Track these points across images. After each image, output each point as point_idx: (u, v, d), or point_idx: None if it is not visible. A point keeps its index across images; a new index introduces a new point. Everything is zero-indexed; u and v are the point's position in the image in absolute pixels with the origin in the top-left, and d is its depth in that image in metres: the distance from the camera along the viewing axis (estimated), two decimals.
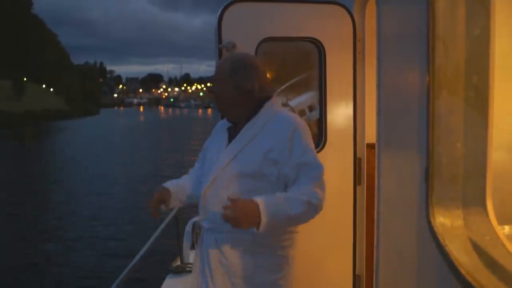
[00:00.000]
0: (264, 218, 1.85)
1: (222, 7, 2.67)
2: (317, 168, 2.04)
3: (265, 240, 2.07)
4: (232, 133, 2.18)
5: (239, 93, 2.11)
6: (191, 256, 3.38)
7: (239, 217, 1.84)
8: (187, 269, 3.44)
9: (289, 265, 2.16)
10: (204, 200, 2.13)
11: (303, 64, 3.52)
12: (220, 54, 2.66)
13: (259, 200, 1.87)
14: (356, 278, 3.04)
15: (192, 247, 3.70)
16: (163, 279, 3.47)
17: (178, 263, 3.55)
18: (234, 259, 2.08)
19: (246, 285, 2.09)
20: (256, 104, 2.14)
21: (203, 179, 2.21)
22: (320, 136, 2.96)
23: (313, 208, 1.97)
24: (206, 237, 2.14)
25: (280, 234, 2.12)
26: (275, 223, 1.91)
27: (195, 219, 2.20)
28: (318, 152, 2.91)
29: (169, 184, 2.32)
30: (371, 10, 2.77)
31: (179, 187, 2.32)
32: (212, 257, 2.10)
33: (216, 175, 2.10)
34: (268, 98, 2.17)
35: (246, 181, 2.06)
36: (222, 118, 2.29)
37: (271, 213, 1.87)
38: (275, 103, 2.20)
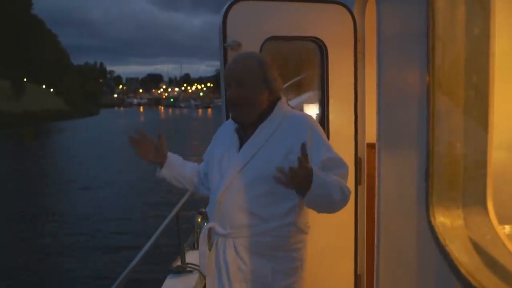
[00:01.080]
0: (313, 185, 1.80)
1: (227, 5, 2.66)
2: (345, 166, 2.03)
3: (283, 242, 2.05)
4: (242, 135, 2.12)
5: (269, 93, 2.09)
6: (190, 257, 3.39)
7: (296, 177, 1.77)
8: (188, 269, 3.44)
9: (302, 268, 2.14)
10: (219, 206, 2.05)
11: (304, 64, 3.52)
12: (224, 53, 2.65)
13: (311, 168, 1.80)
14: (357, 278, 3.04)
15: (193, 247, 3.72)
16: (163, 279, 3.47)
17: (179, 263, 3.55)
18: (254, 264, 2.03)
19: None
20: (270, 104, 2.11)
21: (213, 186, 2.14)
22: None
23: (345, 198, 1.95)
24: (222, 244, 2.07)
25: (295, 235, 2.08)
26: (317, 196, 1.85)
27: (210, 225, 2.10)
28: None
29: (170, 154, 2.32)
30: (371, 9, 2.77)
31: (179, 162, 2.34)
32: (231, 264, 2.03)
33: (231, 179, 2.03)
34: (278, 98, 2.14)
35: (266, 183, 1.97)
36: (235, 119, 2.15)
37: (319, 183, 1.82)
38: (285, 102, 2.16)
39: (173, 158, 2.33)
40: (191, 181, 2.37)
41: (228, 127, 2.24)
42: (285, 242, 2.05)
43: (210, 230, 2.10)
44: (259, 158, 2.03)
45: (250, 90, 2.04)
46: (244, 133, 2.13)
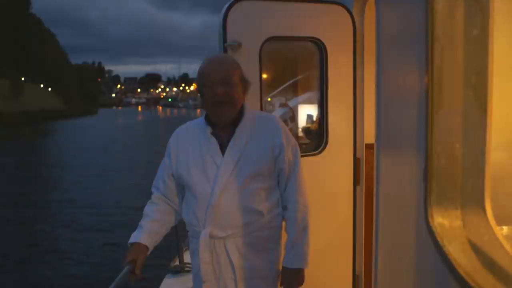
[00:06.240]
0: (305, 265, 2.19)
1: (227, 5, 2.65)
2: (300, 164, 2.22)
3: (276, 234, 2.21)
4: (219, 138, 2.13)
5: (244, 93, 2.16)
6: (188, 257, 3.39)
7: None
8: (186, 269, 3.44)
9: (282, 255, 2.26)
10: (217, 209, 2.05)
11: (303, 64, 3.52)
12: (225, 53, 2.65)
13: (300, 262, 2.17)
14: (355, 278, 3.04)
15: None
16: (161, 279, 3.47)
17: (177, 263, 3.55)
18: (255, 260, 2.12)
19: (265, 285, 2.17)
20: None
21: (198, 192, 2.11)
22: (321, 136, 2.96)
23: (307, 217, 2.21)
24: (221, 246, 2.09)
25: (281, 224, 2.23)
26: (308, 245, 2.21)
27: (208, 230, 2.07)
28: (319, 153, 2.92)
29: (143, 238, 2.13)
30: (370, 10, 2.77)
31: (153, 235, 2.18)
32: (236, 264, 2.08)
33: (225, 181, 2.05)
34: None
35: (259, 179, 2.10)
36: (217, 118, 2.13)
37: (306, 257, 2.20)
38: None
39: (149, 240, 2.16)
40: (173, 220, 2.32)
41: (191, 133, 2.22)
42: (277, 233, 2.21)
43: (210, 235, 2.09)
44: (247, 156, 2.09)
45: (235, 89, 2.09)
46: (219, 136, 2.14)
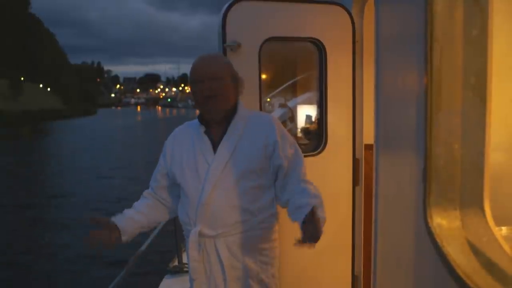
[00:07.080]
0: (323, 217, 1.93)
1: (226, 5, 2.65)
2: (302, 160, 2.18)
3: (269, 234, 2.16)
4: (211, 136, 2.14)
5: (235, 90, 2.15)
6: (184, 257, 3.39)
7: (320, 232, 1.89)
8: (185, 269, 3.44)
9: (278, 256, 2.23)
10: (207, 207, 2.05)
11: (303, 65, 3.52)
12: (224, 53, 2.66)
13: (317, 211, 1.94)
14: (354, 278, 3.04)
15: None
16: (160, 280, 3.47)
17: (176, 263, 3.55)
18: (246, 260, 2.09)
19: (256, 285, 2.14)
20: (234, 103, 2.17)
21: (190, 191, 2.11)
22: (320, 137, 2.96)
23: (321, 200, 2.06)
24: (212, 245, 2.08)
25: (276, 225, 2.19)
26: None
27: (198, 229, 2.07)
28: (318, 153, 2.92)
29: (116, 218, 2.14)
30: (369, 10, 2.77)
31: (129, 221, 2.16)
32: (226, 263, 2.07)
33: (216, 179, 2.05)
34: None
35: (251, 178, 2.07)
36: (207, 113, 2.15)
37: (322, 211, 1.96)
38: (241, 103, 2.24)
39: (121, 222, 2.14)
40: (154, 220, 2.30)
41: (187, 133, 2.23)
42: (271, 233, 2.17)
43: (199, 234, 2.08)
44: (239, 154, 2.08)
45: (222, 83, 2.09)
46: (212, 135, 2.14)
